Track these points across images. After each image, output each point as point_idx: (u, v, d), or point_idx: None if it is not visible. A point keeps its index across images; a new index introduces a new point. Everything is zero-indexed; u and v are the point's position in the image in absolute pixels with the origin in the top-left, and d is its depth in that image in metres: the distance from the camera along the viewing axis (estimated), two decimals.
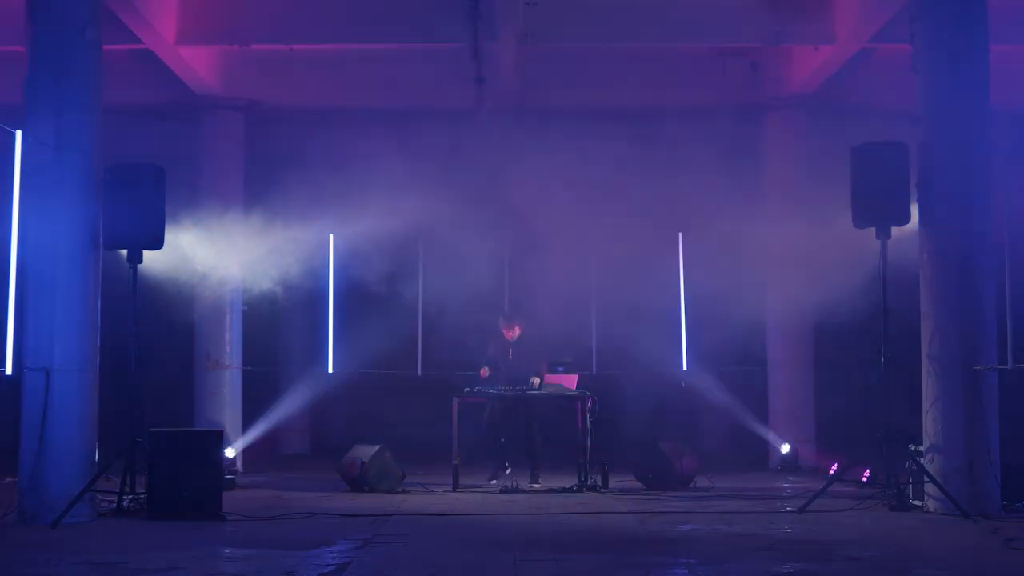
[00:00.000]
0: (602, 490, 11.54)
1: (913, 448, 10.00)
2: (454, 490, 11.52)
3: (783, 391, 14.35)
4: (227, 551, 7.96)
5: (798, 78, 13.87)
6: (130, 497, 9.69)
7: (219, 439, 10.02)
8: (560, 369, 12.22)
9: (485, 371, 12.17)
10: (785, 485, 11.99)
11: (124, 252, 9.92)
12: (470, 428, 12.22)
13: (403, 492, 11.47)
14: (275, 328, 16.11)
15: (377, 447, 11.68)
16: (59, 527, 8.93)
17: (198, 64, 13.21)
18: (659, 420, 15.03)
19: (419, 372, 15.13)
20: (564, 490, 11.62)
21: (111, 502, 9.72)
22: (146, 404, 9.93)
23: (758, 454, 14.44)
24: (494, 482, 12.02)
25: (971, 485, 9.47)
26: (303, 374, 16.41)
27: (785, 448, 13.99)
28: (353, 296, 15.39)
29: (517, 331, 12.49)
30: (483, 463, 12.44)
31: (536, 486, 11.95)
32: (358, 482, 11.55)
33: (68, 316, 9.41)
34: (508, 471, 12.05)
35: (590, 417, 11.79)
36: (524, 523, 9.38)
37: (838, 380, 14.48)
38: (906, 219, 9.98)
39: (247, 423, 14.23)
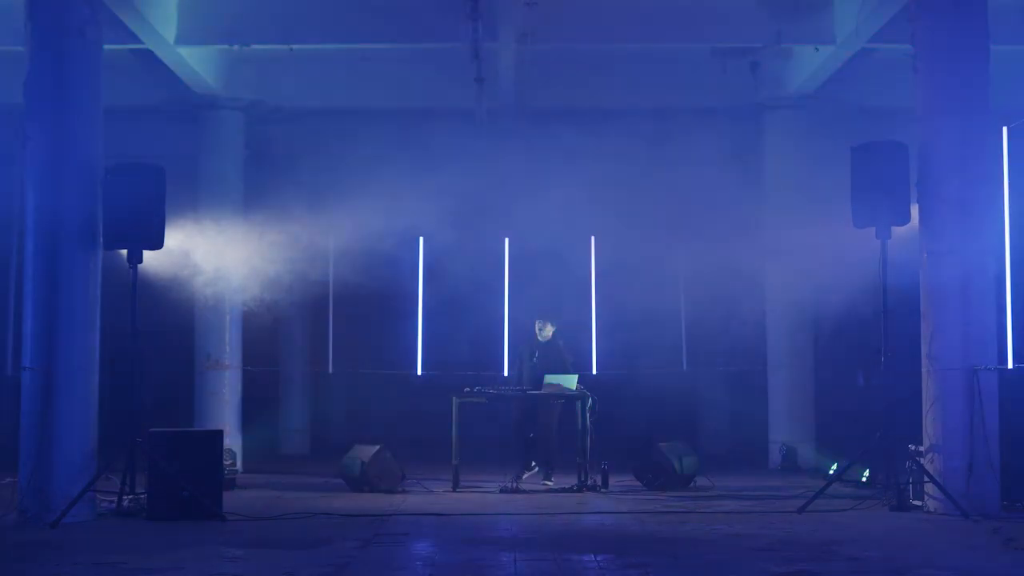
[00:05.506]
0: (602, 490, 11.54)
1: (913, 448, 10.01)
2: (454, 490, 11.52)
3: (783, 391, 14.34)
4: (227, 551, 7.97)
5: (798, 78, 13.87)
6: (130, 497, 9.69)
7: (219, 439, 10.04)
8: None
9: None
10: (785, 485, 11.98)
11: (124, 252, 9.92)
12: (470, 428, 12.22)
13: (403, 492, 11.47)
14: (275, 328, 16.11)
15: (377, 447, 11.68)
16: (59, 527, 8.93)
17: (198, 64, 13.21)
18: (659, 420, 15.02)
19: (419, 372, 15.13)
20: (564, 490, 11.62)
21: (111, 502, 9.72)
22: (146, 404, 9.92)
23: (758, 454, 14.44)
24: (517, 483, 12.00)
25: (971, 485, 9.47)
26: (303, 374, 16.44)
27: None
28: (353, 296, 15.39)
29: (549, 332, 12.50)
30: (482, 463, 12.43)
31: (549, 483, 11.98)
32: (358, 482, 11.55)
33: (68, 316, 9.41)
34: (535, 469, 12.12)
35: (590, 417, 11.79)
36: (524, 523, 9.39)
37: (838, 380, 14.47)
38: (906, 219, 9.98)
39: (247, 423, 14.22)
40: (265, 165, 14.60)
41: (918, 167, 9.96)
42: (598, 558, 7.71)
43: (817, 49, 12.98)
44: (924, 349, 9.86)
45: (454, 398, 11.88)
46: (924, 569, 7.32)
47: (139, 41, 12.13)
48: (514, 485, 11.67)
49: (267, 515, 9.65)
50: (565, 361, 12.36)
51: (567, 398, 11.98)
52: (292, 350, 17.19)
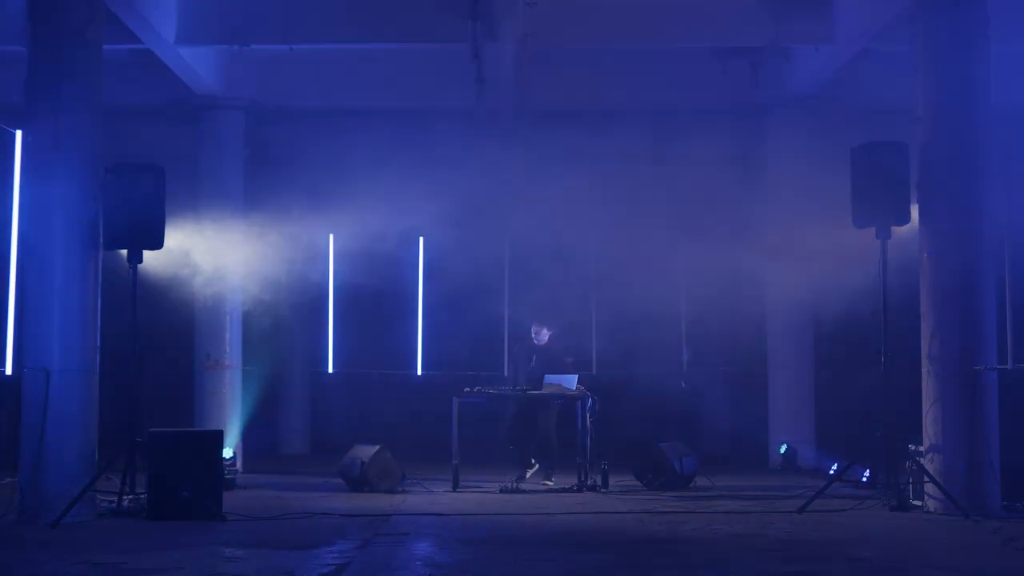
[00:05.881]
0: (602, 490, 11.55)
1: (913, 448, 10.01)
2: (454, 490, 11.52)
3: (783, 391, 14.34)
4: (227, 551, 7.96)
5: (798, 78, 13.86)
6: (130, 497, 9.69)
7: (219, 439, 10.04)
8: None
9: None
10: (785, 485, 11.98)
11: (124, 252, 9.92)
12: (470, 428, 12.23)
13: (403, 492, 11.47)
14: (275, 328, 16.14)
15: (377, 447, 11.68)
16: (59, 527, 8.93)
17: (198, 64, 13.21)
18: (659, 420, 15.03)
19: (419, 372, 15.13)
20: (564, 490, 11.62)
21: (111, 502, 9.72)
22: (146, 404, 9.92)
23: (758, 454, 14.44)
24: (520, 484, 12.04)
25: (971, 485, 9.48)
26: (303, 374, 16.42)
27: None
28: (353, 296, 15.39)
29: (546, 336, 12.52)
30: (482, 463, 12.45)
31: (549, 483, 12.00)
32: (358, 482, 11.55)
33: (68, 316, 9.41)
34: (535, 467, 12.15)
35: (590, 417, 11.80)
36: (524, 523, 9.38)
37: (838, 380, 14.48)
38: (906, 219, 9.99)
39: (247, 423, 14.22)
40: (265, 165, 14.59)
41: (918, 167, 9.96)
42: (598, 558, 7.71)
43: (817, 49, 12.98)
44: (924, 349, 9.86)
45: (454, 398, 11.88)
46: (924, 569, 7.32)
47: (139, 41, 12.13)
48: (515, 485, 11.67)
49: (267, 515, 9.64)
50: (564, 363, 12.35)
51: (567, 398, 11.99)
52: (292, 350, 17.18)
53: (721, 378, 15.77)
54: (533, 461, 12.32)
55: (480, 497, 11.21)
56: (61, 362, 9.36)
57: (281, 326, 16.56)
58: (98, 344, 9.68)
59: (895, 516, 9.58)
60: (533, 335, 12.57)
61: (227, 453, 12.67)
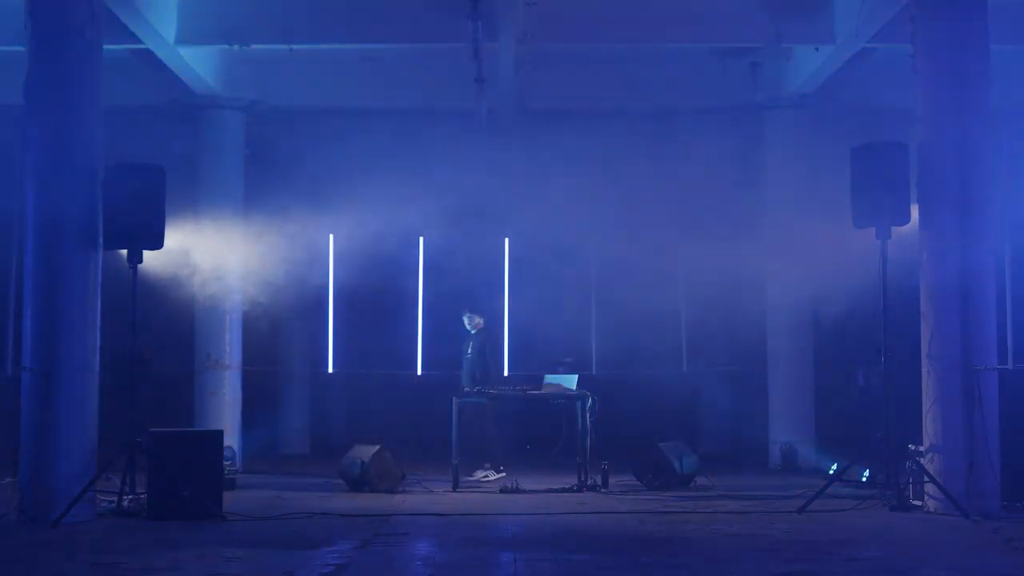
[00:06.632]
0: (602, 490, 11.55)
1: (913, 448, 10.01)
2: (454, 490, 11.52)
3: (783, 391, 14.33)
4: (227, 551, 7.96)
5: (798, 78, 13.87)
6: (130, 497, 9.69)
7: (219, 439, 10.04)
8: (560, 369, 12.32)
9: None
10: (785, 485, 11.98)
11: (124, 252, 9.92)
12: (470, 428, 12.24)
13: (403, 492, 11.47)
14: (275, 328, 16.14)
15: (377, 447, 11.68)
16: (59, 527, 8.93)
17: (198, 64, 13.21)
18: (659, 420, 15.02)
19: (419, 372, 15.12)
20: (564, 490, 11.62)
21: (111, 502, 9.72)
22: (146, 404, 9.92)
23: (758, 454, 14.44)
24: (474, 478, 12.21)
25: (971, 485, 9.47)
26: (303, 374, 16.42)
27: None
28: (353, 296, 15.39)
29: (477, 323, 12.74)
30: (482, 463, 12.47)
31: (499, 475, 12.27)
32: (358, 482, 11.55)
33: (68, 316, 9.41)
34: (502, 473, 12.21)
35: (590, 417, 11.80)
36: (524, 523, 9.39)
37: (838, 380, 14.48)
38: (906, 219, 9.99)
39: (247, 423, 14.21)
40: (265, 165, 14.59)
41: (918, 167, 9.96)
42: (598, 558, 7.72)
43: (817, 49, 12.98)
44: (924, 349, 9.86)
45: (454, 398, 11.89)
46: (924, 569, 7.33)
47: (139, 41, 12.13)
48: (514, 485, 11.67)
49: (267, 515, 9.65)
50: (485, 356, 12.64)
51: (567, 398, 11.99)
52: (292, 350, 17.16)
53: (721, 378, 15.78)
54: (487, 465, 12.42)
55: (480, 497, 11.21)
56: (61, 362, 9.36)
57: (281, 326, 16.59)
58: (98, 344, 9.68)
59: (895, 516, 9.59)
60: (466, 323, 12.75)
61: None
